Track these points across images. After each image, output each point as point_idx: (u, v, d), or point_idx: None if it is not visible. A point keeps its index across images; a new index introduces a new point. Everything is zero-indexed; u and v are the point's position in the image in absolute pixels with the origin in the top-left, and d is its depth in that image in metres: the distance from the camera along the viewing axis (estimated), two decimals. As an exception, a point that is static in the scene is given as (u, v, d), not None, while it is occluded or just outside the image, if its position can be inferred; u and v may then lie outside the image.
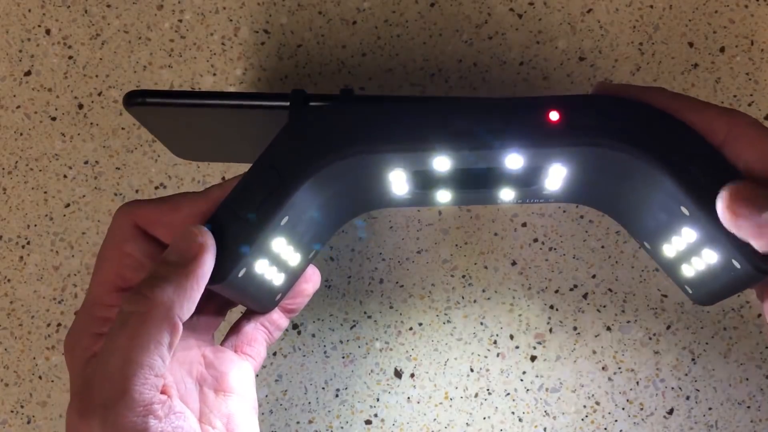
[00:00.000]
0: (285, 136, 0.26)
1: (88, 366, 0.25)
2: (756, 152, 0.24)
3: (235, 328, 0.32)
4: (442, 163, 0.26)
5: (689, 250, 0.27)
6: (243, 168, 0.43)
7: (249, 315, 0.32)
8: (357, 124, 0.26)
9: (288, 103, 0.28)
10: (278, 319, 0.32)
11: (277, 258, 0.28)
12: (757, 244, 0.23)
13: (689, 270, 0.28)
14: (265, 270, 0.28)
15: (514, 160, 0.26)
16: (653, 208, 0.27)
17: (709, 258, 0.26)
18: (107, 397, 0.23)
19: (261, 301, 0.30)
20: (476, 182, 0.29)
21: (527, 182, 0.29)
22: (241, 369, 0.30)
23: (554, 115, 0.25)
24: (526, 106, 0.25)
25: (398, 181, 0.29)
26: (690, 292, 0.29)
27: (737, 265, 0.24)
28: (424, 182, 0.29)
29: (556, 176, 0.28)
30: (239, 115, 0.29)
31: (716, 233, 0.24)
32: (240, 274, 0.26)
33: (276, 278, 0.29)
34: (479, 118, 0.25)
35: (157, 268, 0.25)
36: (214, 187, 0.27)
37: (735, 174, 0.24)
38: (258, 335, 0.31)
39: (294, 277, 0.31)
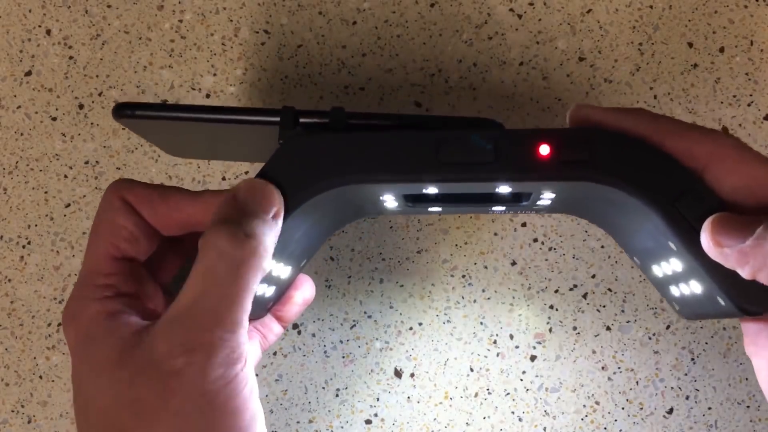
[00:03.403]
0: (274, 165, 0.26)
1: (119, 320, 0.25)
2: (738, 177, 0.24)
3: None
4: (432, 189, 0.27)
5: (676, 277, 0.27)
6: (243, 166, 0.42)
7: None
8: (347, 156, 0.26)
9: (278, 119, 0.28)
10: (270, 322, 0.33)
11: (268, 276, 0.28)
12: (743, 272, 0.23)
13: (676, 291, 0.28)
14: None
15: (503, 189, 0.27)
16: (642, 234, 0.28)
17: (695, 288, 0.26)
18: (214, 337, 0.23)
19: (253, 311, 0.30)
20: (466, 200, 0.29)
21: (517, 200, 0.29)
22: None
23: (545, 149, 0.25)
24: (516, 139, 0.25)
25: (389, 200, 0.29)
26: (677, 308, 0.29)
27: (722, 302, 0.24)
28: (415, 199, 0.29)
29: (545, 197, 0.28)
30: (229, 127, 0.29)
31: (702, 272, 0.24)
32: None
33: (266, 291, 0.29)
34: (469, 150, 0.25)
35: (243, 211, 0.25)
36: (208, 191, 0.27)
37: (720, 208, 0.24)
38: (252, 334, 0.32)
39: (285, 286, 0.31)
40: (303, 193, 0.26)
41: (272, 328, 0.33)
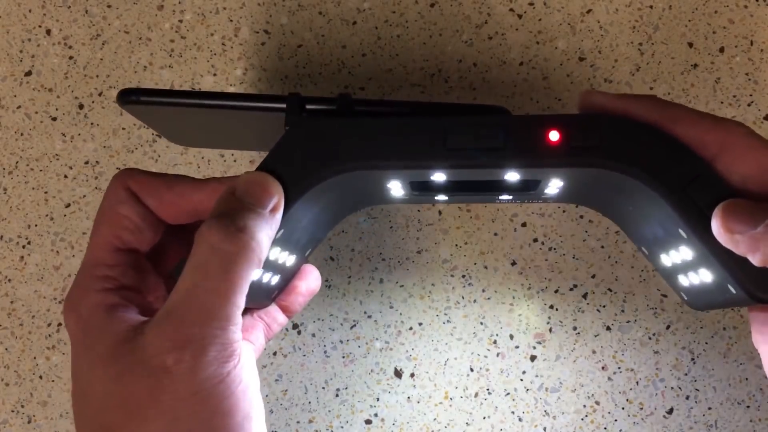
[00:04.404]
0: (280, 151, 0.26)
1: (116, 314, 0.25)
2: (749, 165, 0.24)
3: None
4: (439, 176, 0.26)
5: (686, 266, 0.27)
6: (243, 165, 0.42)
7: (246, 309, 0.32)
8: (355, 141, 0.25)
9: (284, 106, 0.28)
10: (275, 312, 0.32)
11: (273, 264, 0.28)
12: (754, 259, 0.23)
13: (685, 280, 0.28)
14: (260, 276, 0.28)
15: (511, 176, 0.26)
16: (651, 222, 0.27)
17: (705, 277, 0.26)
18: (205, 332, 0.23)
19: (256, 300, 0.30)
20: (473, 188, 0.29)
21: (524, 189, 0.29)
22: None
23: (554, 135, 0.25)
24: (526, 125, 0.25)
25: (396, 188, 0.29)
26: (685, 298, 0.29)
27: (732, 290, 0.24)
28: (422, 187, 0.29)
29: (553, 185, 0.28)
30: (235, 114, 0.29)
31: (713, 259, 0.24)
32: None
33: (271, 279, 0.29)
34: (478, 136, 0.25)
35: (238, 206, 0.25)
36: (213, 179, 0.27)
37: (731, 195, 0.24)
38: (256, 323, 0.32)
39: (290, 275, 0.31)
40: (309, 178, 0.25)
41: (276, 317, 0.32)
